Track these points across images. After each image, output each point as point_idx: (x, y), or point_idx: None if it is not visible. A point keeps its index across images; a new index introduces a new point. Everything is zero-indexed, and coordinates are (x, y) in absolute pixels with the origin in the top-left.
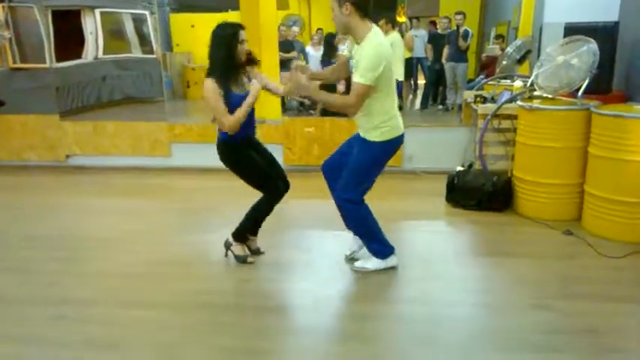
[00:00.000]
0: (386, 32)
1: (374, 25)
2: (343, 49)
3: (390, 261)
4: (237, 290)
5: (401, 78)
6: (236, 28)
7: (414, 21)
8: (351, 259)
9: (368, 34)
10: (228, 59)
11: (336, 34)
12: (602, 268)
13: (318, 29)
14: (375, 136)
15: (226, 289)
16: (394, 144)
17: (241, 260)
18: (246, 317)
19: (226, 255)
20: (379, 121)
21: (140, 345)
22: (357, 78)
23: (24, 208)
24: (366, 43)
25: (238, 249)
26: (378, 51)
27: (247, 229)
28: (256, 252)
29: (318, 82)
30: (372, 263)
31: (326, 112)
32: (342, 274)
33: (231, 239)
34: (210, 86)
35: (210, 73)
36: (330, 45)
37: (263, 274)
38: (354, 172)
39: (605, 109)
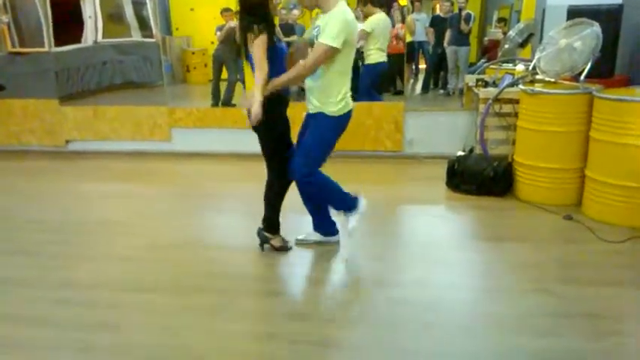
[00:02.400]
0: (370, 13)
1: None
2: None
3: (362, 206)
4: (238, 274)
5: (382, 59)
6: None
7: (416, 4)
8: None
9: (337, 4)
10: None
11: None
12: (602, 252)
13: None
14: (331, 110)
15: (227, 273)
16: (347, 117)
17: (284, 250)
18: (248, 301)
19: (262, 249)
20: (337, 96)
21: (142, 328)
22: (322, 39)
23: (25, 192)
24: (335, 10)
25: (276, 241)
26: (345, 18)
27: (274, 218)
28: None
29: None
30: (353, 218)
31: None
32: (338, 258)
33: (266, 233)
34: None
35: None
36: None
37: (263, 258)
38: (313, 147)
39: (608, 92)
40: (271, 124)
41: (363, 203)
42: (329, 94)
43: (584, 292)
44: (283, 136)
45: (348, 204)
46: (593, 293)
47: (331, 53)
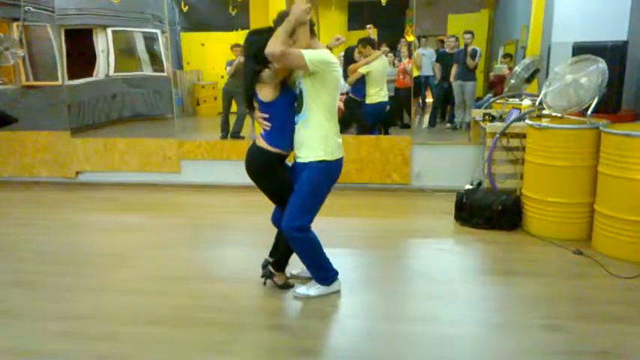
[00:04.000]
0: (366, 55)
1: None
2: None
3: (334, 286)
4: (243, 307)
5: (385, 99)
6: (264, 32)
7: (422, 40)
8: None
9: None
10: (257, 61)
11: (355, 47)
12: (613, 288)
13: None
14: (318, 154)
15: (232, 306)
16: (338, 164)
17: (285, 287)
18: (253, 335)
19: (265, 284)
20: (322, 135)
21: None
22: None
23: (33, 223)
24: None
25: (280, 279)
26: (325, 54)
27: (285, 257)
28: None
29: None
30: (316, 289)
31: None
32: (346, 292)
33: (272, 269)
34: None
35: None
36: (349, 59)
37: (267, 291)
38: (302, 199)
39: (615, 127)
40: (272, 175)
41: (337, 284)
42: (317, 140)
43: (595, 329)
44: (288, 182)
45: (325, 277)
46: (605, 330)
47: (298, 61)
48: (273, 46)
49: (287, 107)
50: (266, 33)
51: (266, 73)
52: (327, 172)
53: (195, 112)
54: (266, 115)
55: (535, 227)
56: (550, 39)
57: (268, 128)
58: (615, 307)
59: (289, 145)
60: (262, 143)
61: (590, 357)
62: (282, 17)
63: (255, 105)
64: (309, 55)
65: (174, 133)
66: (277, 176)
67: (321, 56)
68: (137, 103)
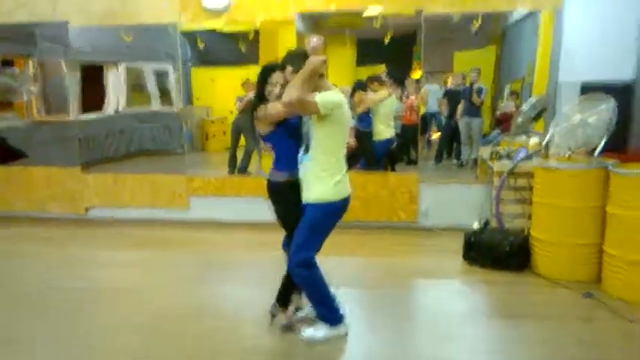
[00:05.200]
0: (376, 91)
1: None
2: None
3: (340, 329)
4: (249, 348)
5: (389, 135)
6: (268, 68)
7: (428, 76)
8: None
9: (329, 88)
10: (258, 97)
11: (365, 82)
12: (623, 333)
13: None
14: (322, 195)
15: (234, 349)
16: (343, 204)
17: (288, 329)
18: None
19: (272, 323)
20: (328, 176)
21: None
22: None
23: (42, 259)
24: (326, 91)
25: (284, 317)
26: (334, 96)
27: (287, 292)
28: (298, 309)
29: None
30: (323, 332)
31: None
32: (352, 334)
33: (276, 306)
34: (260, 110)
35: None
36: (360, 88)
37: (272, 332)
38: (303, 235)
39: (624, 167)
40: (289, 209)
41: (344, 328)
42: (322, 181)
43: None
44: (297, 212)
45: (330, 316)
46: None
47: (313, 108)
48: (290, 95)
49: (286, 136)
50: (264, 69)
51: (260, 110)
52: (330, 211)
53: (204, 147)
54: (270, 145)
55: (544, 268)
56: (557, 77)
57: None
58: (626, 353)
59: (288, 169)
60: (272, 176)
61: None
62: (291, 56)
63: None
64: (321, 98)
65: (183, 169)
66: (289, 204)
67: (331, 98)
68: (146, 139)
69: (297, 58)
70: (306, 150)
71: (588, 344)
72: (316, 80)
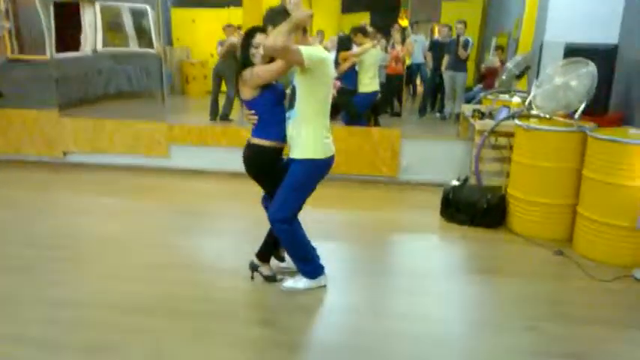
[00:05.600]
0: (360, 43)
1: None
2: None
3: (321, 280)
4: (229, 299)
5: (377, 88)
6: (251, 30)
7: (414, 26)
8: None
9: (314, 45)
10: (243, 60)
11: (348, 35)
12: (591, 291)
13: (319, 31)
14: (307, 152)
15: (218, 297)
16: (327, 163)
17: (271, 280)
18: (234, 328)
19: (252, 277)
20: (312, 133)
21: (135, 351)
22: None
23: (22, 205)
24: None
25: (266, 269)
26: (319, 51)
27: (269, 248)
28: (281, 259)
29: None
30: (303, 283)
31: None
32: (331, 286)
33: (256, 261)
34: (245, 73)
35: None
36: (344, 48)
37: (254, 283)
38: (286, 192)
39: (601, 132)
40: (270, 174)
41: (324, 279)
42: (307, 138)
43: (572, 331)
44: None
45: (310, 269)
46: (581, 332)
47: (298, 57)
48: (275, 40)
49: (271, 103)
50: (247, 32)
51: (246, 72)
52: (314, 170)
53: (184, 91)
54: (252, 112)
55: (518, 226)
56: (543, 36)
57: (256, 122)
58: (593, 309)
59: (282, 136)
60: (256, 140)
61: (567, 359)
62: (272, 14)
63: None
64: (307, 51)
65: (163, 113)
66: (274, 171)
67: (317, 53)
68: (124, 80)
69: (279, 16)
70: (291, 106)
71: (557, 302)
72: (300, 35)
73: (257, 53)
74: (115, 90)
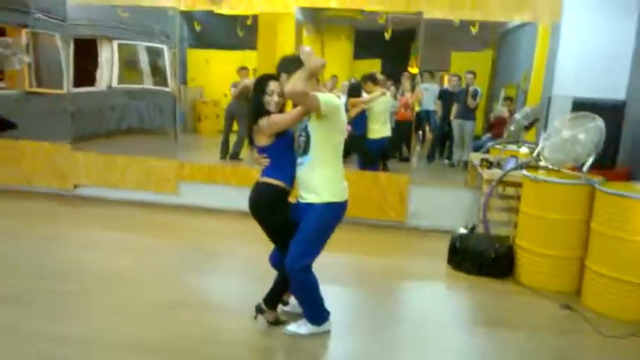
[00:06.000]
0: (370, 91)
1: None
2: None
3: (325, 326)
4: (236, 341)
5: (388, 134)
6: (265, 78)
7: (425, 74)
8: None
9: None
10: (256, 108)
11: (359, 82)
12: (599, 347)
13: (333, 76)
14: (325, 195)
15: (225, 339)
16: (343, 206)
17: (274, 324)
18: None
19: (256, 318)
20: (329, 176)
21: None
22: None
23: (30, 236)
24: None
25: (271, 316)
26: (331, 98)
27: (278, 296)
28: (284, 303)
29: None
30: (306, 328)
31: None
32: (336, 332)
33: (263, 306)
34: (262, 122)
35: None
36: (354, 94)
37: (258, 325)
38: (307, 239)
39: (609, 186)
40: (277, 216)
41: (328, 324)
42: (324, 182)
43: None
44: (289, 223)
45: (316, 316)
46: None
47: (315, 103)
48: (294, 85)
49: (284, 148)
50: (260, 78)
51: (263, 121)
52: (333, 214)
53: (196, 129)
54: (264, 155)
55: (526, 277)
56: (551, 90)
57: (267, 164)
58: None
59: (290, 180)
60: (264, 178)
61: None
62: (286, 62)
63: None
64: (323, 98)
65: (175, 151)
66: (281, 213)
67: (332, 100)
68: (138, 116)
69: (292, 64)
70: (304, 152)
71: (563, 356)
72: (313, 82)
73: (271, 100)
74: (127, 126)
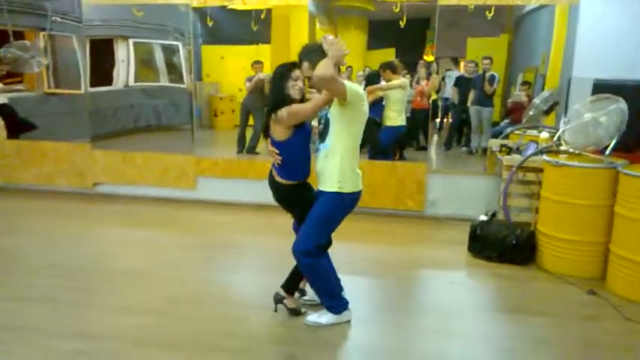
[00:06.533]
0: (388, 79)
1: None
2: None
3: (345, 316)
4: (255, 334)
5: (404, 122)
6: (288, 66)
7: (447, 61)
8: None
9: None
10: (277, 95)
11: (377, 72)
12: (626, 333)
13: (348, 67)
14: (336, 185)
15: (244, 333)
16: (355, 197)
17: (295, 313)
18: None
19: (276, 309)
20: (342, 166)
21: None
22: None
23: (50, 234)
24: None
25: (291, 302)
26: (354, 87)
27: (296, 280)
28: (302, 292)
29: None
30: (327, 318)
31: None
32: (356, 322)
33: (282, 292)
34: (281, 113)
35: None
36: (372, 83)
37: (278, 318)
38: (312, 224)
39: (633, 169)
40: (296, 205)
41: (348, 314)
42: (337, 171)
43: None
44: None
45: (333, 304)
46: None
47: (342, 89)
48: (324, 70)
49: (299, 145)
50: (284, 66)
51: (282, 112)
52: (342, 204)
53: (212, 125)
54: (277, 151)
55: (548, 263)
56: (570, 72)
57: (279, 162)
58: (628, 354)
59: (304, 175)
60: (278, 178)
61: None
62: (308, 51)
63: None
64: (349, 85)
65: (192, 146)
66: (300, 201)
67: (357, 89)
68: (154, 114)
69: (315, 53)
70: (322, 139)
71: (591, 344)
72: (335, 72)
73: (297, 85)
74: (145, 123)
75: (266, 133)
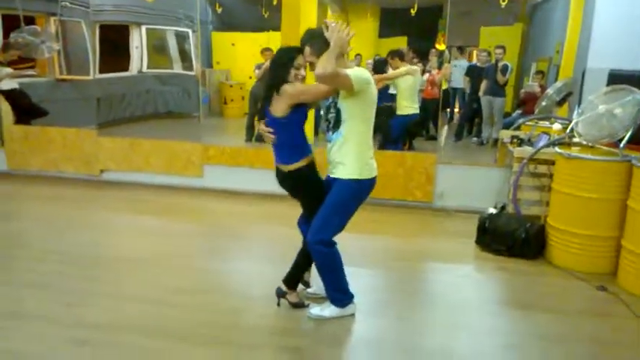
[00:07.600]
0: (396, 67)
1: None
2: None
3: (349, 309)
4: (258, 325)
5: (417, 111)
6: (293, 52)
7: (453, 50)
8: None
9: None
10: (277, 77)
11: (385, 59)
12: (638, 330)
13: (357, 55)
14: (353, 172)
15: (247, 324)
16: (370, 184)
17: (298, 307)
18: (259, 357)
19: (279, 304)
20: (358, 153)
21: None
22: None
23: (55, 220)
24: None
25: (293, 296)
26: (360, 72)
27: (298, 275)
28: (306, 284)
29: None
30: (329, 311)
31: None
32: (361, 315)
33: (283, 287)
34: (288, 88)
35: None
36: (379, 71)
37: (281, 310)
38: (328, 213)
39: None
40: (315, 190)
41: (352, 307)
42: (353, 158)
43: None
44: (321, 192)
45: (340, 297)
46: None
47: (347, 81)
48: (324, 67)
49: (296, 123)
50: (288, 52)
51: (289, 87)
52: (359, 191)
53: (222, 112)
54: (271, 129)
55: (558, 258)
56: (585, 62)
57: (271, 141)
58: (638, 352)
59: (304, 152)
60: (282, 167)
61: None
62: (310, 36)
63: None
64: (354, 74)
65: (200, 134)
66: (309, 186)
67: (363, 75)
68: (165, 100)
69: (317, 38)
70: (335, 128)
71: (601, 343)
72: (340, 59)
73: (299, 74)
74: (154, 110)
75: (262, 114)
